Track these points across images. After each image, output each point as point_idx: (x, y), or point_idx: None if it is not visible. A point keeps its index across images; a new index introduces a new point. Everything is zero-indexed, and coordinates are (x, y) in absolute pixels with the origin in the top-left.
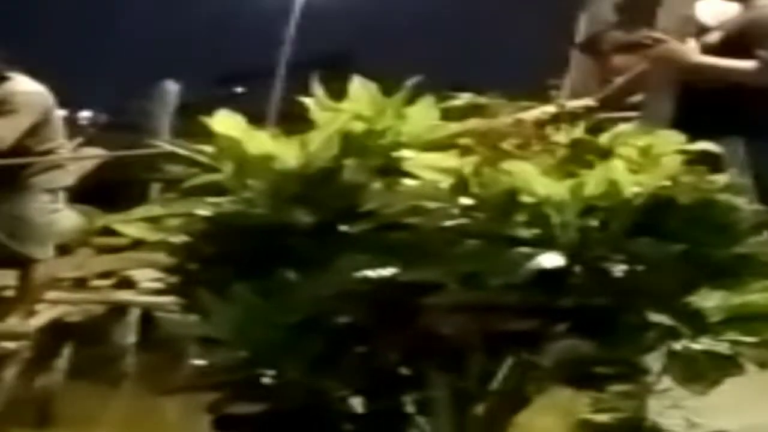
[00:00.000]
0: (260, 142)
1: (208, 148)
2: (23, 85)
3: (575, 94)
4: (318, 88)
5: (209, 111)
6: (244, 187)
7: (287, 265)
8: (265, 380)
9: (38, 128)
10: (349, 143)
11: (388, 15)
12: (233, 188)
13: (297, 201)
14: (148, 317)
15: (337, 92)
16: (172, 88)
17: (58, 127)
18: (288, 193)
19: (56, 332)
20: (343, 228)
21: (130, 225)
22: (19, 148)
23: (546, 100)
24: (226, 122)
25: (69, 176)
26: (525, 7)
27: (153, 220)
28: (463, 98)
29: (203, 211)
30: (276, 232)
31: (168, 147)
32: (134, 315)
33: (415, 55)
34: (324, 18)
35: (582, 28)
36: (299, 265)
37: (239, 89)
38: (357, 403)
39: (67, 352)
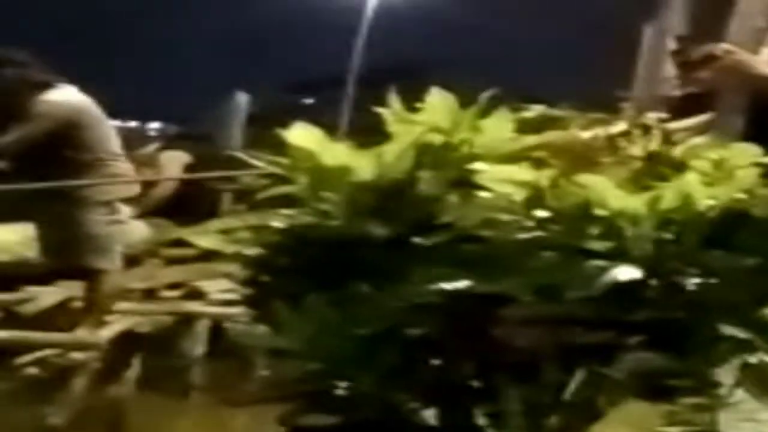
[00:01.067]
0: (335, 153)
1: (282, 160)
2: (52, 94)
3: (641, 107)
4: (393, 99)
5: (279, 121)
6: (319, 198)
7: (361, 277)
8: (338, 392)
9: (72, 139)
10: (425, 155)
11: (457, 25)
12: (307, 200)
13: (371, 213)
14: (217, 328)
15: (410, 101)
16: (242, 98)
17: (102, 137)
18: (362, 205)
19: (126, 343)
20: (418, 240)
21: (204, 237)
22: (60, 160)
23: (614, 112)
24: (301, 133)
25: (128, 188)
26: (588, 19)
27: (226, 232)
28: (535, 110)
29: (277, 223)
30: (350, 244)
31: (240, 158)
32: (203, 326)
33: (483, 65)
34: (395, 26)
35: (647, 41)
36: (373, 277)
37: (309, 99)
38: (429, 416)
39: (136, 362)
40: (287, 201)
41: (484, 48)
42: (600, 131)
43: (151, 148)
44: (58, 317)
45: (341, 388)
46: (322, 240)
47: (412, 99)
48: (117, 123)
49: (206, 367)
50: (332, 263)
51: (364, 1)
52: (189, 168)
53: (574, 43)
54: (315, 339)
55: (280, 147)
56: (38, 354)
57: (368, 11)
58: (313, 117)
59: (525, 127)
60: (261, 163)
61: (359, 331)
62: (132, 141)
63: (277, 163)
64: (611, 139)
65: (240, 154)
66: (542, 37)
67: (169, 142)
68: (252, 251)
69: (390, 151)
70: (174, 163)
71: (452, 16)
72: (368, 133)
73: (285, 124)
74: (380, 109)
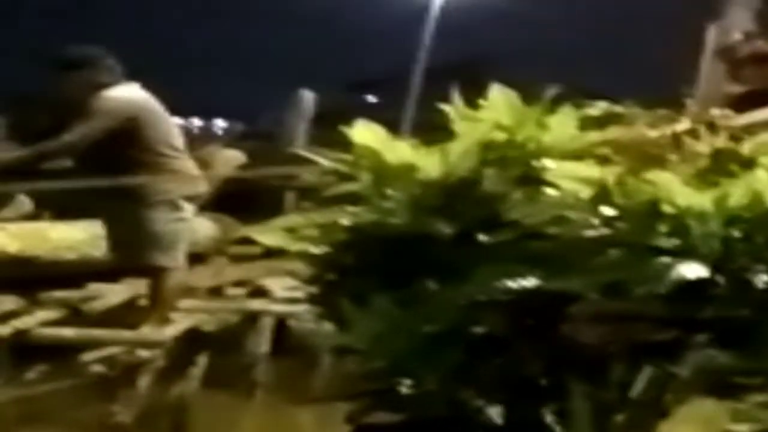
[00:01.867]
0: (400, 151)
1: (346, 157)
2: (114, 92)
3: (706, 103)
4: (457, 97)
5: (343, 120)
6: (383, 197)
7: (427, 275)
8: (403, 390)
9: (134, 137)
10: (490, 153)
11: (523, 21)
12: (372, 198)
13: (437, 211)
14: (281, 326)
15: (474, 99)
16: (307, 96)
17: (165, 134)
18: (428, 203)
19: (191, 341)
20: (483, 238)
21: (269, 234)
22: (122, 158)
23: (679, 109)
24: (365, 132)
25: (192, 185)
26: (653, 16)
27: (291, 230)
28: (600, 107)
29: (343, 221)
30: (416, 242)
31: (305, 155)
32: (268, 324)
33: (547, 62)
34: (460, 23)
35: (712, 38)
36: (439, 275)
37: (373, 97)
38: (496, 414)
39: (201, 360)
40: (351, 199)
41: (548, 44)
42: (665, 128)
43: (212, 146)
44: (124, 315)
45: (406, 386)
46: (387, 238)
47: (476, 96)
48: (181, 121)
49: (271, 365)
50: (397, 261)
51: None
52: (245, 166)
53: (640, 40)
54: (380, 337)
55: (345, 145)
56: (104, 352)
57: (434, 8)
58: (376, 115)
59: (589, 124)
60: (325, 160)
61: (425, 329)
62: (197, 139)
63: (342, 160)
64: (677, 136)
65: (304, 152)
66: (607, 34)
67: (234, 140)
68: (317, 249)
69: (455, 148)
70: (227, 162)
71: (518, 12)
72: (433, 130)
73: (349, 122)
74: (444, 107)
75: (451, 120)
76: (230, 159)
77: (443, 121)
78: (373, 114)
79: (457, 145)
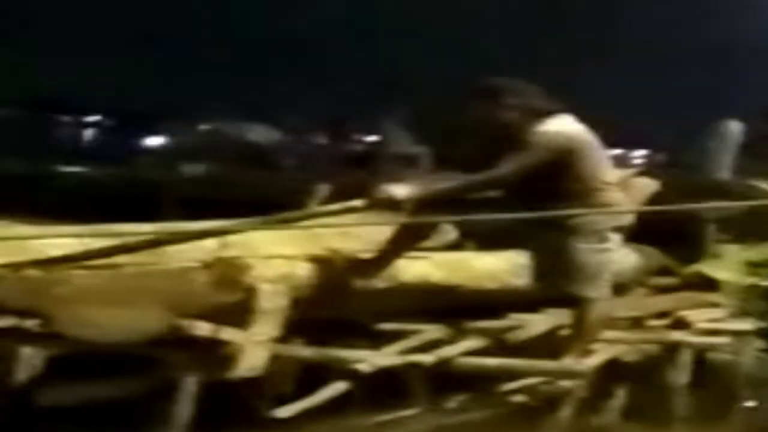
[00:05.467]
0: None
1: None
2: (549, 125)
3: None
4: None
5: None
6: None
7: None
8: None
9: (567, 169)
10: None
11: None
12: None
13: None
14: (701, 358)
15: None
16: (735, 127)
17: (597, 166)
18: None
19: (611, 372)
20: None
21: (715, 268)
22: (552, 189)
23: None
24: None
25: (620, 216)
26: None
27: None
28: None
29: None
30: None
31: (728, 186)
32: (687, 356)
33: None
34: None
35: None
36: None
37: None
38: None
39: (621, 391)
40: None
41: None
42: None
43: (626, 173)
44: (544, 345)
45: None
46: None
47: None
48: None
49: (689, 397)
50: None
51: None
52: (661, 195)
53: None
54: None
55: None
56: (525, 381)
57: None
58: None
59: None
60: (754, 191)
61: None
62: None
63: None
64: None
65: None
66: None
67: (651, 169)
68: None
69: None
70: (640, 190)
71: None
72: None
73: None
74: None
75: None
76: (643, 187)
77: None
78: None
79: None
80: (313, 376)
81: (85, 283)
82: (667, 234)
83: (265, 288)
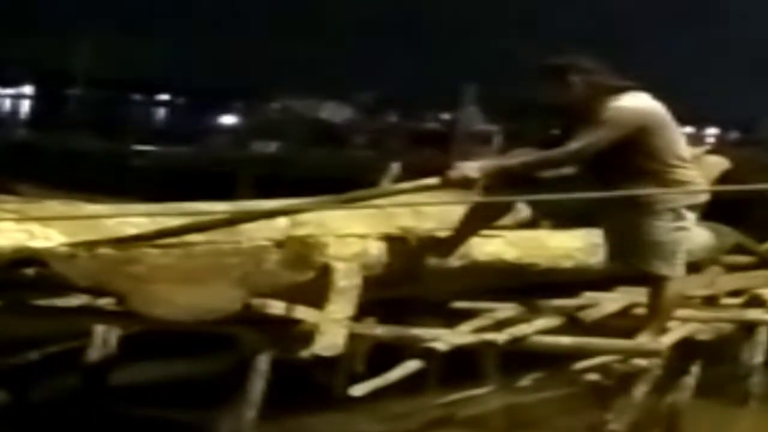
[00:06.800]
0: None
1: None
2: (623, 101)
3: None
4: None
5: None
6: None
7: None
8: None
9: (642, 146)
10: None
11: None
12: None
13: None
14: None
15: None
16: None
17: (671, 143)
18: None
19: (686, 350)
20: None
21: None
22: (627, 166)
23: None
24: None
25: (695, 195)
26: None
27: None
28: None
29: None
30: None
31: None
32: (763, 334)
33: None
34: None
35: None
36: None
37: None
38: None
39: (695, 370)
40: None
41: None
42: None
43: (698, 151)
44: (619, 324)
45: None
46: None
47: None
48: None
49: (765, 375)
50: None
51: None
52: (732, 173)
53: None
54: None
55: None
56: (599, 360)
57: None
58: None
59: None
60: None
61: None
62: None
63: None
64: None
65: None
66: None
67: (723, 147)
68: None
69: None
70: (710, 168)
71: None
72: None
73: None
74: None
75: None
76: (714, 165)
77: None
78: None
79: None
80: (387, 354)
81: (158, 262)
82: (742, 212)
83: (339, 267)
